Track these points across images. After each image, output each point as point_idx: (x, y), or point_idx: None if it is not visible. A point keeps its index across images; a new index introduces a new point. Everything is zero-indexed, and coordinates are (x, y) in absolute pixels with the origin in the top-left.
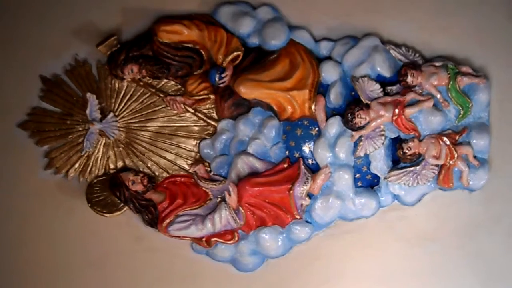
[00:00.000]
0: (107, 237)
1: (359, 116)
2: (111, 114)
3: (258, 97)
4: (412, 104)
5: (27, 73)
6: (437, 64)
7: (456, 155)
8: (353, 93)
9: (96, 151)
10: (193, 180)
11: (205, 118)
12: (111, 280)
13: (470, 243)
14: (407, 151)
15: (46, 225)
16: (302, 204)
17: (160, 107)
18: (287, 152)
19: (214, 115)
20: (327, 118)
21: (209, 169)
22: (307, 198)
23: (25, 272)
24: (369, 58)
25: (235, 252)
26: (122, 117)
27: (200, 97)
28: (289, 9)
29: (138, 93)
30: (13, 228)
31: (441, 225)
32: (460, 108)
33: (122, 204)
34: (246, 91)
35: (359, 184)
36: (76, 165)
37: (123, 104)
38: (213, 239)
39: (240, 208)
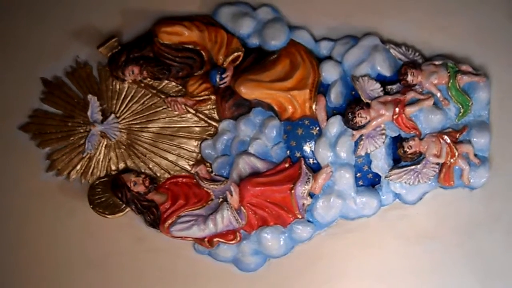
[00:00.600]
0: (109, 238)
1: (359, 115)
2: (112, 115)
3: (259, 97)
4: (412, 103)
5: (28, 75)
6: (437, 63)
7: (456, 154)
8: (353, 92)
9: (98, 153)
10: (194, 180)
11: (206, 118)
12: (113, 281)
13: (470, 241)
14: (407, 150)
15: (48, 227)
16: (303, 204)
17: (161, 108)
18: (288, 151)
19: (215, 115)
20: (328, 118)
21: (210, 169)
22: (308, 198)
23: (27, 273)
24: (369, 57)
25: (237, 252)
26: (123, 119)
27: (201, 98)
28: (289, 10)
29: (139, 95)
30: (15, 230)
31: (442, 223)
32: (460, 106)
33: (124, 205)
34: (247, 91)
35: (360, 183)
36: (78, 167)
37: (124, 105)
38: (215, 239)
39: (242, 208)
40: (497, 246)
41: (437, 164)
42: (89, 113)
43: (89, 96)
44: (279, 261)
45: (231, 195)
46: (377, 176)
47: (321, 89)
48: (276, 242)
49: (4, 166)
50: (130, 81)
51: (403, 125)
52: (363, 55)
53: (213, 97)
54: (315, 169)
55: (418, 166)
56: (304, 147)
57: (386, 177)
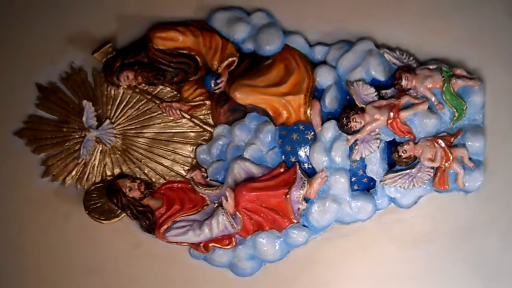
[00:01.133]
0: (105, 243)
1: (354, 120)
2: (108, 121)
3: (254, 103)
4: (407, 107)
5: (23, 81)
6: (431, 67)
7: (451, 157)
8: (348, 97)
9: (93, 158)
10: (190, 186)
11: (201, 124)
12: (109, 286)
13: (466, 245)
14: (402, 154)
15: (43, 233)
16: (299, 208)
17: (156, 113)
18: (283, 156)
19: (210, 120)
20: (323, 123)
21: (205, 174)
22: (303, 202)
23: (23, 279)
24: (363, 62)
25: (233, 257)
26: (119, 124)
27: (196, 103)
28: (283, 15)
29: (134, 100)
30: (11, 236)
31: (437, 227)
32: (455, 110)
33: (119, 211)
34: (242, 96)
35: (355, 187)
36: (73, 173)
37: (119, 111)
38: (210, 244)
39: (237, 213)
40: (493, 249)
41: (432, 168)
42: (84, 118)
43: (84, 102)
44: (274, 266)
45: (226, 200)
46: (372, 181)
47: (316, 94)
48: (272, 246)
49: None
50: (125, 86)
51: (397, 130)
52: (358, 59)
53: (208, 102)
54: (310, 174)
55: (413, 170)
56: (299, 152)
57: (381, 181)
